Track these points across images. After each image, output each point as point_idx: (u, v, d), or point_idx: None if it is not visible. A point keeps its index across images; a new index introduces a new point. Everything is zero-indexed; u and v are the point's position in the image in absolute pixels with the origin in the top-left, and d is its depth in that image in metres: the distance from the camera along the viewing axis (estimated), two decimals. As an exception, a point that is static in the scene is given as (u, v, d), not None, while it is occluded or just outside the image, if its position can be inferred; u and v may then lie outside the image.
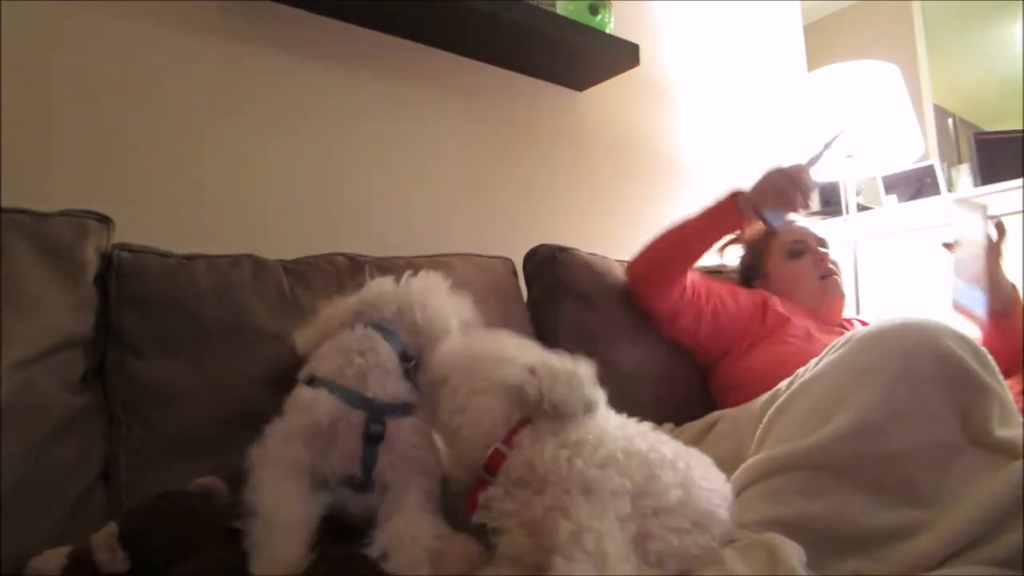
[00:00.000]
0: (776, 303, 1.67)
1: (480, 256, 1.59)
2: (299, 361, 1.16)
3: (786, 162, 1.48)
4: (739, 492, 1.05)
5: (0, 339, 1.03)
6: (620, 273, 1.69)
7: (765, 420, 1.13)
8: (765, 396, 1.23)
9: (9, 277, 1.07)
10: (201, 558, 0.89)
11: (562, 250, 1.67)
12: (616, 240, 2.05)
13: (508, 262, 1.64)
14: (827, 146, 1.50)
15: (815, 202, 1.46)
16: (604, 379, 0.99)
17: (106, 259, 1.20)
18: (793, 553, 0.94)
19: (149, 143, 1.46)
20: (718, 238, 1.56)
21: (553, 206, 2.03)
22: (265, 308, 1.27)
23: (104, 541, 0.87)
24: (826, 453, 0.98)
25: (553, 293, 1.63)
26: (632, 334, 1.63)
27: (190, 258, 1.27)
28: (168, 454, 1.13)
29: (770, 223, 1.45)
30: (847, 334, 1.11)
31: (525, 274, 1.70)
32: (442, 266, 1.49)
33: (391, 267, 1.44)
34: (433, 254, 1.53)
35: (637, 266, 1.62)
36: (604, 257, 1.72)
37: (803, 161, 1.47)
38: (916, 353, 1.00)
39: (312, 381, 1.03)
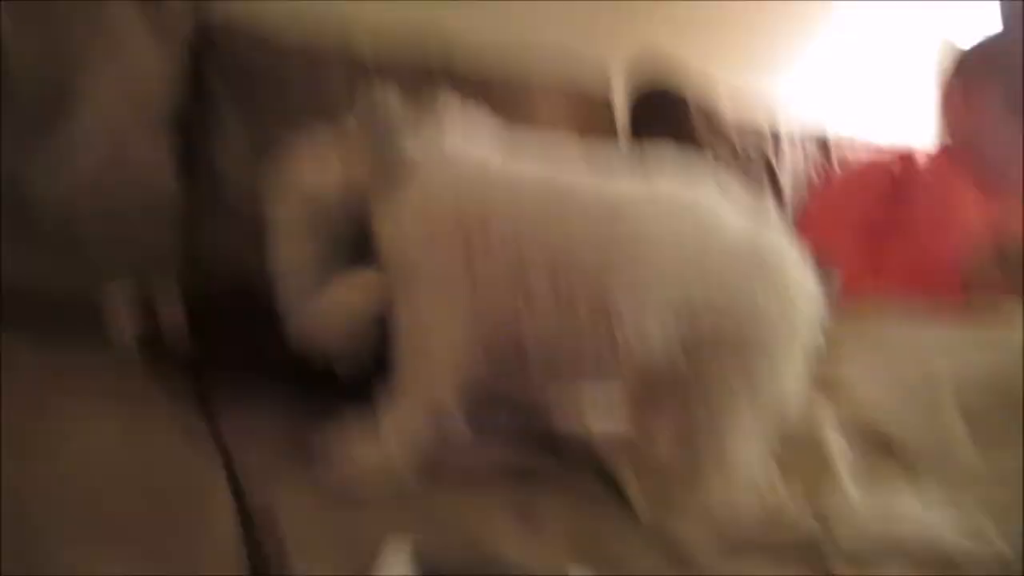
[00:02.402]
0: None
1: (580, 84, 1.47)
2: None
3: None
4: None
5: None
6: (736, 138, 1.56)
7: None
8: None
9: (103, 22, 1.06)
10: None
11: (675, 94, 1.52)
12: (738, 56, 1.79)
13: (606, 94, 1.51)
14: None
15: None
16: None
17: (202, 21, 1.16)
18: (839, 451, 0.92)
19: None
20: None
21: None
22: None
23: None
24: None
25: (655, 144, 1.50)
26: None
27: (284, 33, 1.21)
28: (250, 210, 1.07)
29: None
30: None
31: (629, 115, 1.55)
32: (539, 96, 1.39)
33: (489, 86, 1.33)
34: (529, 72, 1.41)
35: None
36: (719, 110, 1.57)
37: None
38: None
39: None
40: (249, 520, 0.67)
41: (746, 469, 0.83)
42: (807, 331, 0.82)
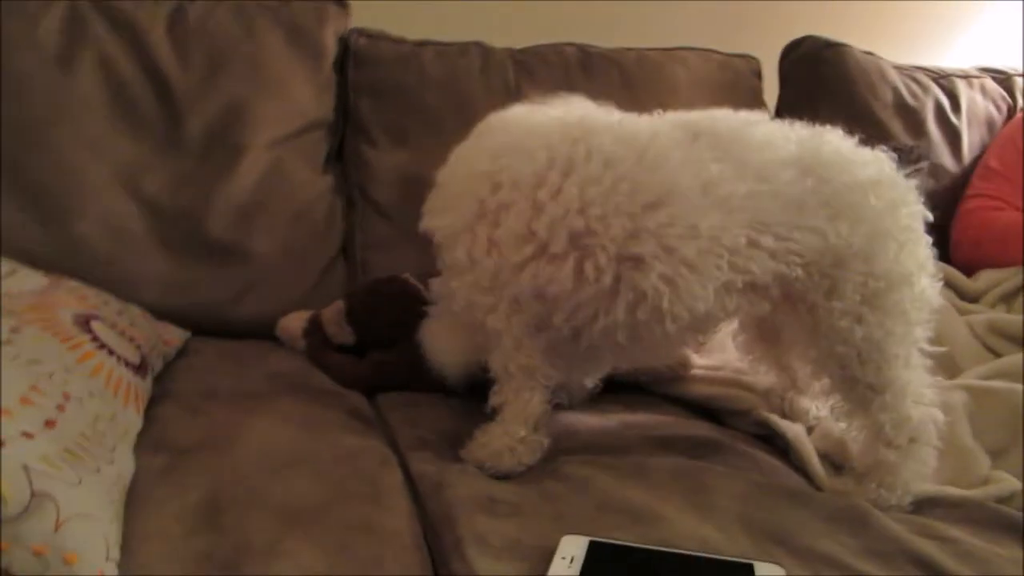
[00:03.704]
0: None
1: (719, 53, 1.42)
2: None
3: None
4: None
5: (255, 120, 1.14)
6: (901, 85, 1.44)
7: None
8: None
9: (261, 61, 1.15)
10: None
11: (831, 46, 1.44)
12: (902, 41, 1.70)
13: (753, 61, 1.45)
14: None
15: None
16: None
17: (343, 44, 1.23)
18: None
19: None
20: None
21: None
22: (490, 101, 1.26)
23: (332, 316, 0.98)
24: None
25: (812, 100, 1.42)
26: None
27: (421, 44, 1.27)
28: (400, 239, 1.19)
29: None
30: None
31: (780, 72, 1.49)
32: (676, 62, 1.37)
33: (622, 60, 1.35)
34: (667, 47, 1.39)
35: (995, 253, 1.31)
36: (879, 59, 1.46)
37: None
38: None
39: None
40: (418, 493, 0.71)
41: (916, 388, 0.77)
42: (898, 222, 0.76)
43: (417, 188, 1.18)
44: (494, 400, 0.79)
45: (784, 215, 0.72)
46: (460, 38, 1.30)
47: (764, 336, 0.91)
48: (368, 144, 1.23)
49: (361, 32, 1.24)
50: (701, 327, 0.79)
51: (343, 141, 1.25)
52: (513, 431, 0.76)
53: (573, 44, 1.35)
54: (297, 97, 1.18)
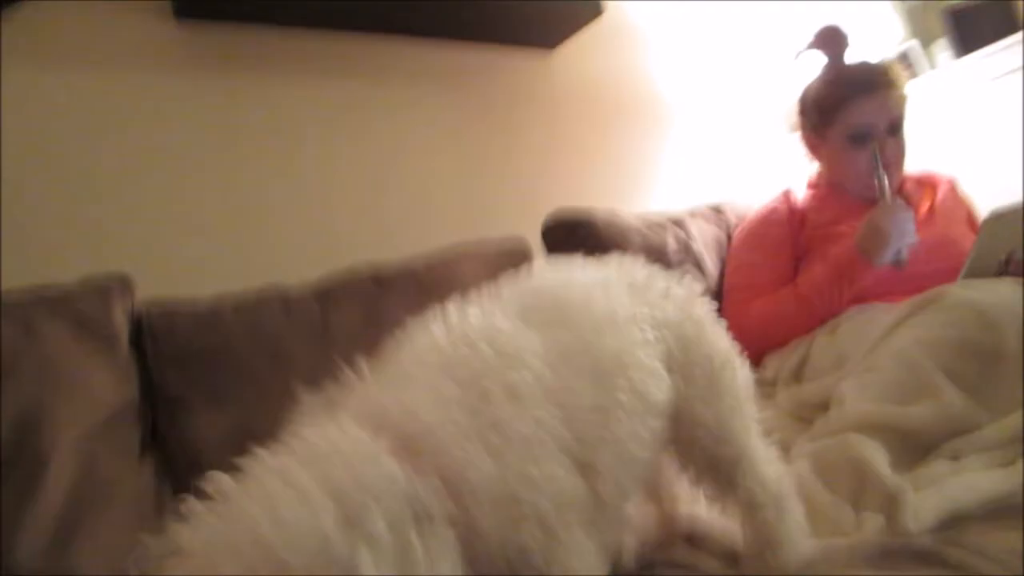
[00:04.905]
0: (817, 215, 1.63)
1: (492, 240, 1.57)
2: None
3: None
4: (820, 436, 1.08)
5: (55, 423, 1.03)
6: (645, 229, 1.70)
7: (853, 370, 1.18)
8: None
9: (49, 362, 1.06)
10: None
11: (581, 214, 1.65)
12: (610, 191, 2.06)
13: (521, 240, 1.62)
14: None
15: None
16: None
17: (136, 319, 1.19)
18: (876, 454, 0.95)
19: (145, 191, 1.46)
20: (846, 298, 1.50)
21: (543, 171, 2.00)
22: (300, 341, 1.26)
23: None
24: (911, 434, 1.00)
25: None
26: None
27: (217, 300, 1.25)
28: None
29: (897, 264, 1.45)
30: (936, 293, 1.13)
31: (544, 243, 1.68)
32: (460, 258, 1.48)
33: (414, 268, 1.43)
34: (448, 246, 1.52)
35: (756, 344, 1.48)
36: (622, 214, 1.72)
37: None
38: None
39: None
40: None
41: (764, 453, 0.87)
42: (693, 312, 0.89)
43: (249, 443, 1.15)
44: None
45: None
46: (254, 279, 1.32)
47: None
48: (185, 413, 1.16)
49: (152, 303, 1.20)
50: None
51: (155, 420, 1.17)
52: None
53: (366, 264, 1.41)
54: (95, 389, 1.09)
